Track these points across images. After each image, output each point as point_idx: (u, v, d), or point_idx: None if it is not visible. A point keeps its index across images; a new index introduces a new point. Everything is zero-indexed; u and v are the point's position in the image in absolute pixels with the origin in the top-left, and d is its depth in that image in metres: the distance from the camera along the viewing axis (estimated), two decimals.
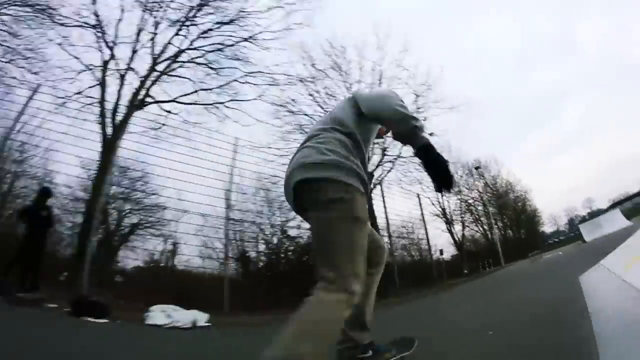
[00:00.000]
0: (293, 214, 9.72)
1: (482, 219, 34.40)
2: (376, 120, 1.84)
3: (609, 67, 70.81)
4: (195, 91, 15.89)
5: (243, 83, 16.49)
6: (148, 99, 14.76)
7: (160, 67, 15.43)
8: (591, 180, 64.17)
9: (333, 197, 1.55)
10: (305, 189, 1.64)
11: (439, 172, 1.66)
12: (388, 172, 19.85)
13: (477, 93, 64.42)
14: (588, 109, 76.17)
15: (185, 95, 15.82)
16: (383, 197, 16.00)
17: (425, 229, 17.46)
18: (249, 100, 16.72)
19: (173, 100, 15.37)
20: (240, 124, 16.12)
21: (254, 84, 16.71)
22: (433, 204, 27.36)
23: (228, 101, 16.27)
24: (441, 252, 21.22)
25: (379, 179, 18.39)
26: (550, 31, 72.56)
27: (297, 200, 1.72)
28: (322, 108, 18.43)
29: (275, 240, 15.38)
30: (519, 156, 66.25)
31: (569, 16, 73.67)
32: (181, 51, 15.73)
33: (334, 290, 1.43)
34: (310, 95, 18.97)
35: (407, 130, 1.68)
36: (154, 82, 15.03)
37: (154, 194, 14.04)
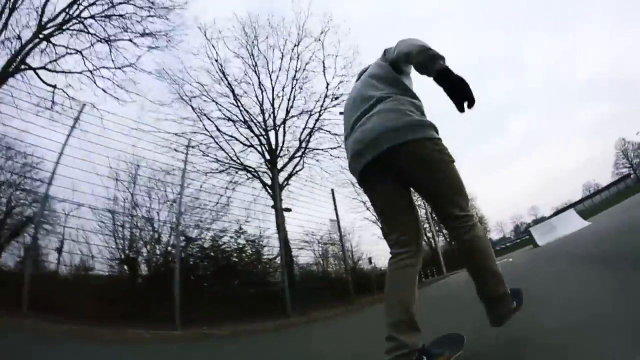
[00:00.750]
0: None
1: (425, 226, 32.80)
2: (405, 61, 1.94)
3: (553, 86, 77.21)
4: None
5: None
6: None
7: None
8: (535, 189, 69.12)
9: (442, 149, 1.86)
10: (407, 150, 1.81)
11: (462, 92, 1.73)
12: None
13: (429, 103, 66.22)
14: (533, 124, 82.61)
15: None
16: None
17: (340, 232, 13.38)
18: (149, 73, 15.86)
19: (44, 68, 13.77)
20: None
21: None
22: (368, 208, 23.96)
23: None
24: (370, 260, 19.13)
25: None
26: (502, 50, 79.26)
27: (379, 166, 1.87)
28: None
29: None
30: (465, 166, 66.78)
31: (519, 38, 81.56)
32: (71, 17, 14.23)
33: (473, 223, 1.84)
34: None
35: (426, 57, 1.77)
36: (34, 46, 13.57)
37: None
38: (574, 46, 78.59)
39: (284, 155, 18.52)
